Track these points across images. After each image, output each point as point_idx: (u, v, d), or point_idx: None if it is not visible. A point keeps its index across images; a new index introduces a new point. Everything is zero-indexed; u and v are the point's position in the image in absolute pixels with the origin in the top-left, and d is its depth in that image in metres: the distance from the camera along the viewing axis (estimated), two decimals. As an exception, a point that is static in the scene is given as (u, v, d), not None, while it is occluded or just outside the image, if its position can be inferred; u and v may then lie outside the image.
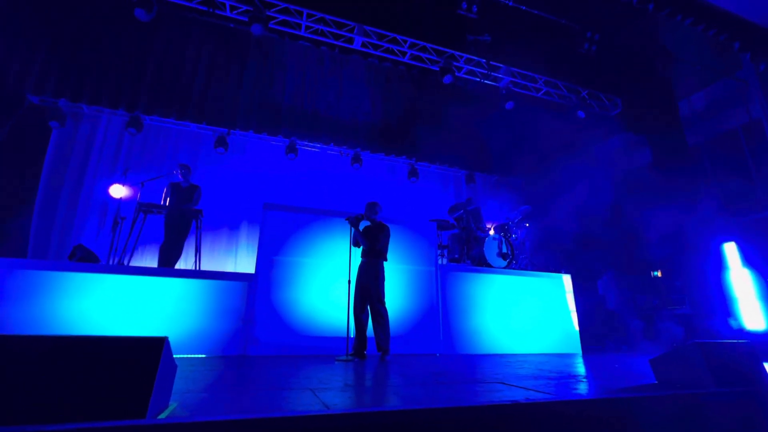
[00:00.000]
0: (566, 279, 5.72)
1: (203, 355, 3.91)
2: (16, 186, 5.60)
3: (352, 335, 3.98)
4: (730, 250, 6.08)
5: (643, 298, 6.53)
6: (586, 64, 7.30)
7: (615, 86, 8.19)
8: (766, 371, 2.21)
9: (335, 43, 6.91)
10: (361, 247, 4.18)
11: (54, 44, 5.78)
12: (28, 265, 3.83)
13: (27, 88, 5.66)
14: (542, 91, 8.08)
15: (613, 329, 6.26)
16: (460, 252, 5.92)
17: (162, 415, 1.44)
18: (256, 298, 4.30)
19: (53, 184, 5.98)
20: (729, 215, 6.80)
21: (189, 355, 3.82)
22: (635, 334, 6.00)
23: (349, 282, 4.09)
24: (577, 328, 5.46)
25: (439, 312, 4.88)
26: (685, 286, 6.53)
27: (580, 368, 3.45)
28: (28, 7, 5.66)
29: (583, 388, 2.39)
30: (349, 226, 4.20)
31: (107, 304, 3.86)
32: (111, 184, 5.68)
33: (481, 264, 5.56)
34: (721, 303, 5.95)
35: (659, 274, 7.26)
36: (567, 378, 2.75)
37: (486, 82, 7.68)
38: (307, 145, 7.46)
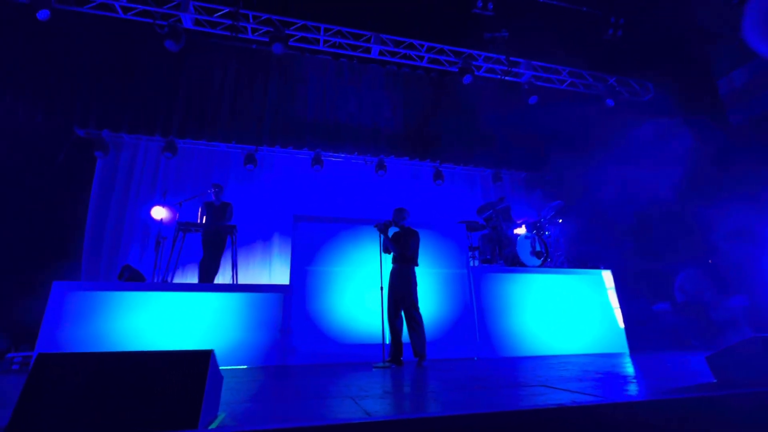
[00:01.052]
0: (606, 275, 5.48)
1: (245, 366, 4.04)
2: (68, 213, 6.05)
3: (387, 342, 3.99)
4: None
5: (694, 291, 6.14)
6: (611, 50, 7.04)
7: (645, 70, 7.83)
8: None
9: (353, 54, 7.04)
10: (392, 253, 4.19)
11: (95, 80, 6.24)
12: (83, 287, 4.11)
13: (74, 122, 6.13)
14: (567, 83, 7.85)
15: (662, 326, 5.92)
16: (492, 252, 5.81)
17: (213, 425, 1.50)
18: (292, 309, 4.40)
19: (100, 209, 6.41)
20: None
21: (231, 367, 3.95)
22: (687, 330, 5.64)
23: (382, 289, 4.10)
24: (622, 325, 5.20)
25: (475, 315, 4.80)
26: (738, 276, 6.08)
27: (629, 368, 3.28)
28: (70, 46, 6.14)
29: (633, 389, 2.27)
30: (378, 233, 4.23)
31: (154, 320, 4.08)
32: (151, 206, 6.02)
33: (515, 264, 5.43)
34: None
35: (710, 261, 6.81)
36: (615, 379, 2.63)
37: (507, 78, 7.56)
38: (331, 156, 7.60)
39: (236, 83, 6.98)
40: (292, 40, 6.63)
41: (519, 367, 3.44)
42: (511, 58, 7.30)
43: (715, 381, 2.27)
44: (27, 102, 5.74)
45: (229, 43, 6.79)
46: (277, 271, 6.80)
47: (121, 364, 1.52)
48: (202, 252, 5.35)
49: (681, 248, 6.55)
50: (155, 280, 4.94)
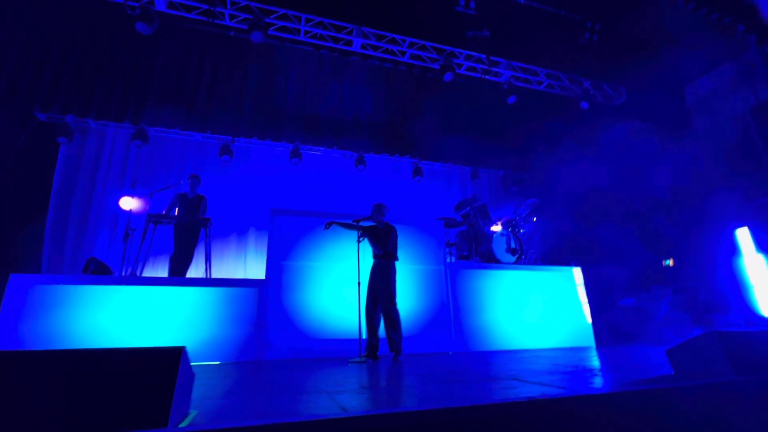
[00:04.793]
0: (576, 272, 5.68)
1: (218, 362, 3.96)
2: (28, 202, 5.71)
3: (364, 337, 4.00)
4: (743, 236, 5.98)
5: (655, 288, 6.47)
6: (588, 54, 7.25)
7: (618, 75, 8.11)
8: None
9: (335, 46, 6.94)
10: (372, 249, 4.19)
11: (60, 61, 5.88)
12: (44, 281, 3.90)
13: (35, 106, 5.77)
14: (544, 84, 8.03)
15: (627, 321, 6.21)
16: (469, 249, 5.91)
17: (183, 424, 1.46)
18: (268, 304, 4.34)
19: (64, 198, 6.08)
20: (740, 200, 6.69)
21: (205, 363, 3.87)
22: (650, 325, 5.94)
23: (359, 284, 4.10)
24: (589, 320, 5.42)
25: (450, 310, 4.88)
26: (698, 274, 6.45)
27: (595, 361, 3.42)
28: (34, 26, 5.77)
29: (599, 381, 2.37)
30: (357, 232, 4.22)
31: (123, 315, 3.92)
32: (120, 196, 5.77)
33: (490, 260, 5.55)
34: (735, 290, 5.86)
35: (671, 262, 7.19)
36: (582, 372, 2.74)
37: (487, 77, 7.65)
38: (311, 149, 7.50)
39: (213, 71, 6.75)
40: (271, 29, 6.46)
41: (492, 362, 3.53)
42: (491, 58, 7.39)
43: (673, 373, 2.40)
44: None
45: (206, 29, 6.55)
46: (252, 266, 6.68)
47: (87, 362, 1.46)
48: (173, 246, 5.18)
49: (646, 247, 6.87)
50: (124, 274, 4.75)
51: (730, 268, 6.04)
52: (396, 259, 4.13)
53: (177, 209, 5.28)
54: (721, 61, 7.60)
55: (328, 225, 4.15)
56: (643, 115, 7.70)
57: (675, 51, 7.27)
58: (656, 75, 7.62)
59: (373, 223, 4.27)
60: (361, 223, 4.25)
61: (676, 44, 7.20)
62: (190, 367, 1.65)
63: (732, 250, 6.06)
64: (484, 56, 7.34)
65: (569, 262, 5.96)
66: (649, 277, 6.61)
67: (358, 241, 4.21)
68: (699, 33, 7.00)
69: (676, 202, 6.69)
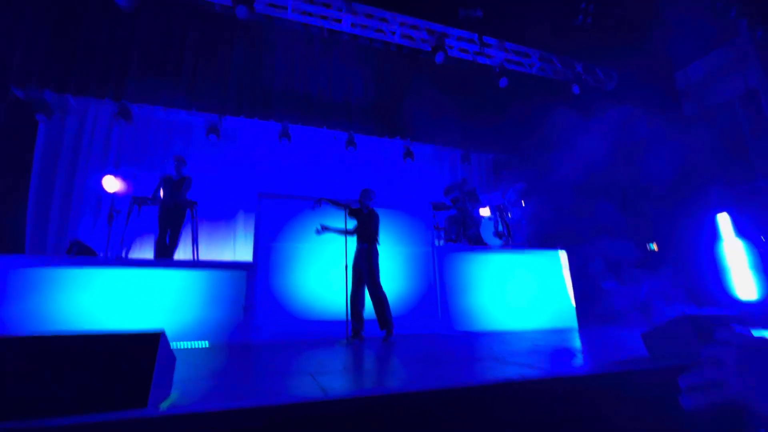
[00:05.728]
0: (562, 255, 5.77)
1: (206, 344, 3.98)
2: (8, 182, 5.55)
3: (350, 318, 4.05)
4: (724, 221, 6.12)
5: (637, 271, 6.63)
6: (581, 36, 7.16)
7: (611, 59, 8.06)
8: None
9: (324, 25, 6.74)
10: (356, 233, 4.21)
11: (36, 34, 5.61)
12: (27, 263, 3.84)
13: (10, 81, 5.53)
14: (536, 66, 7.94)
15: (608, 303, 6.37)
16: (457, 233, 5.95)
17: (163, 405, 1.48)
18: (256, 286, 4.34)
19: (45, 179, 5.92)
20: (723, 186, 6.81)
21: (192, 344, 3.89)
22: (631, 308, 6.11)
23: (346, 267, 4.12)
24: (573, 303, 5.55)
25: (437, 292, 4.95)
26: (678, 258, 6.61)
27: (576, 343, 3.52)
28: (4, -4, 5.48)
29: (577, 362, 2.45)
30: (344, 212, 4.22)
31: (107, 298, 3.90)
32: (103, 176, 5.64)
33: (478, 244, 5.60)
34: (714, 274, 6.03)
35: (655, 247, 7.34)
36: (561, 353, 2.82)
37: (479, 59, 7.54)
38: (300, 130, 7.37)
39: (198, 46, 6.50)
40: (258, 3, 6.23)
41: (476, 343, 3.61)
42: (484, 39, 7.26)
43: (648, 355, 2.49)
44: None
45: (190, 1, 6.29)
46: (241, 249, 6.64)
47: (68, 345, 1.47)
48: (158, 228, 5.11)
49: (632, 230, 7.00)
50: (108, 256, 4.70)
51: (711, 252, 6.20)
52: (378, 243, 4.16)
53: (162, 191, 5.18)
54: (713, 46, 7.58)
55: (318, 201, 4.15)
56: (634, 100, 7.70)
57: (667, 34, 7.22)
58: (648, 59, 7.58)
59: (358, 206, 4.27)
60: (348, 209, 4.24)
61: (668, 28, 7.15)
62: (171, 350, 1.65)
63: (713, 235, 6.21)
64: (476, 36, 7.20)
65: (555, 246, 6.05)
66: (632, 260, 6.76)
67: (345, 222, 4.21)
68: (692, 16, 6.94)
69: (663, 187, 6.78)
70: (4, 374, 1.36)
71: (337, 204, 4.23)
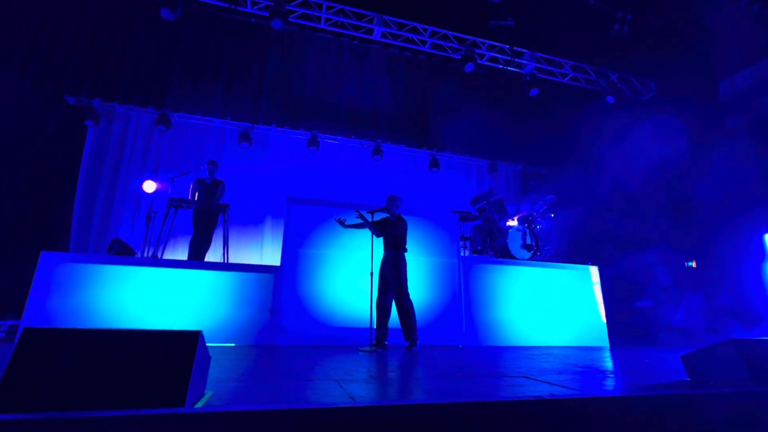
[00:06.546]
0: (593, 270, 5.57)
1: (233, 344, 4.08)
2: (58, 183, 5.94)
3: (374, 326, 4.05)
4: (773, 241, 5.74)
5: (675, 290, 6.29)
6: (616, 46, 6.97)
7: (648, 69, 7.79)
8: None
9: (355, 34, 6.88)
10: (382, 239, 4.22)
11: (88, 47, 6.03)
12: (72, 259, 4.08)
13: (65, 90, 5.95)
14: (569, 77, 7.79)
15: (643, 322, 6.08)
16: (483, 243, 5.86)
17: (199, 404, 1.53)
18: (282, 290, 4.43)
19: (91, 180, 6.31)
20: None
21: (220, 344, 3.99)
22: (667, 328, 5.81)
23: (372, 274, 4.14)
24: (604, 320, 5.33)
25: (462, 304, 4.88)
26: (721, 277, 6.24)
27: (608, 363, 3.38)
28: (63, 12, 5.91)
29: (610, 384, 2.35)
30: (370, 218, 4.25)
31: (144, 295, 4.08)
32: (143, 180, 5.94)
33: (505, 255, 5.49)
34: (761, 294, 5.65)
35: (694, 264, 6.96)
36: (593, 373, 2.71)
37: (509, 69, 7.47)
38: (328, 138, 7.51)
39: (234, 58, 6.80)
40: (292, 16, 6.45)
41: (502, 357, 3.53)
42: (515, 48, 7.20)
43: (688, 379, 2.35)
44: (15, 69, 5.54)
45: (228, 15, 6.59)
46: (268, 253, 6.81)
47: (110, 342, 1.53)
48: (192, 230, 5.32)
49: (669, 247, 6.67)
50: (145, 255, 4.92)
51: (757, 273, 5.82)
52: (405, 250, 4.14)
53: (197, 194, 5.40)
54: (759, 55, 7.20)
55: (341, 222, 4.18)
56: (673, 111, 7.39)
57: (709, 44, 6.92)
58: (688, 69, 7.28)
59: (386, 215, 4.29)
60: (375, 215, 4.27)
61: (711, 37, 6.86)
62: (207, 349, 1.71)
63: (760, 255, 5.83)
64: (507, 47, 7.15)
65: (586, 261, 5.85)
66: (669, 278, 6.43)
67: (372, 218, 4.25)
68: (736, 25, 6.63)
69: (703, 202, 6.44)
70: (44, 367, 1.43)
71: (359, 226, 4.26)
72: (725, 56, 7.32)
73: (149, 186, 5.65)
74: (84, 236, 6.07)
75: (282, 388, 1.94)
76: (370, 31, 6.87)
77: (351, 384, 2.04)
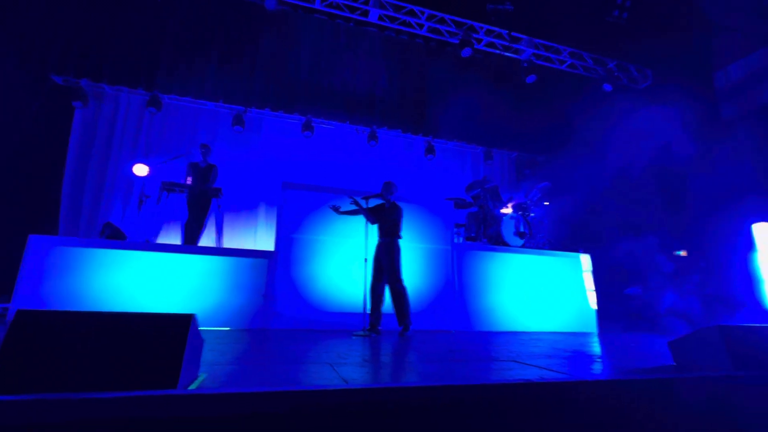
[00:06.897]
0: (584, 258, 5.64)
1: (228, 328, 4.10)
2: (44, 165, 5.82)
3: (368, 311, 4.08)
4: (760, 231, 5.84)
5: (663, 278, 6.41)
6: (615, 33, 6.91)
7: (646, 57, 7.74)
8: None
9: (351, 16, 6.74)
10: (377, 225, 4.22)
11: (75, 25, 5.84)
12: (63, 242, 4.03)
13: (50, 69, 5.78)
14: (566, 63, 7.73)
15: (632, 309, 6.20)
16: (477, 231, 5.90)
17: (192, 386, 1.54)
18: (276, 275, 4.44)
19: (80, 163, 6.18)
20: (761, 195, 6.48)
21: (214, 328, 4.01)
22: (656, 315, 5.93)
23: (366, 260, 4.15)
24: (594, 307, 5.43)
25: (455, 289, 4.93)
26: (709, 267, 6.36)
27: (596, 347, 3.46)
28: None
29: (597, 368, 2.41)
30: (364, 204, 4.24)
31: (136, 279, 4.06)
32: (134, 163, 5.84)
33: (498, 243, 5.54)
34: (747, 285, 5.78)
35: (684, 253, 7.08)
36: (582, 357, 2.77)
37: (507, 54, 7.39)
38: (323, 123, 7.42)
39: (226, 38, 6.63)
40: (286, -5, 6.28)
41: (493, 342, 3.59)
42: (513, 33, 7.11)
43: (674, 364, 2.42)
44: (-2, 45, 5.36)
45: (220, -7, 6.39)
46: (262, 238, 6.78)
47: (103, 324, 1.53)
48: (186, 213, 5.27)
49: (658, 236, 6.76)
50: (138, 239, 4.88)
51: (744, 262, 5.93)
52: (400, 237, 4.15)
53: (189, 178, 5.34)
54: (756, 46, 7.17)
55: (336, 209, 4.16)
56: (669, 100, 7.38)
57: (707, 32, 6.88)
58: (686, 58, 7.25)
59: (381, 201, 4.28)
60: (369, 201, 4.26)
61: (708, 25, 6.81)
62: (200, 333, 1.71)
63: (748, 245, 5.93)
64: (506, 32, 7.05)
65: (578, 248, 5.91)
66: (658, 266, 6.53)
67: (366, 204, 4.24)
68: (734, 14, 6.58)
69: (694, 191, 6.51)
70: (37, 349, 1.43)
71: (354, 212, 4.24)
72: (720, 46, 7.29)
73: (140, 169, 5.56)
74: (74, 219, 5.99)
75: (276, 371, 1.96)
76: (365, 13, 6.72)
77: (344, 367, 2.06)
